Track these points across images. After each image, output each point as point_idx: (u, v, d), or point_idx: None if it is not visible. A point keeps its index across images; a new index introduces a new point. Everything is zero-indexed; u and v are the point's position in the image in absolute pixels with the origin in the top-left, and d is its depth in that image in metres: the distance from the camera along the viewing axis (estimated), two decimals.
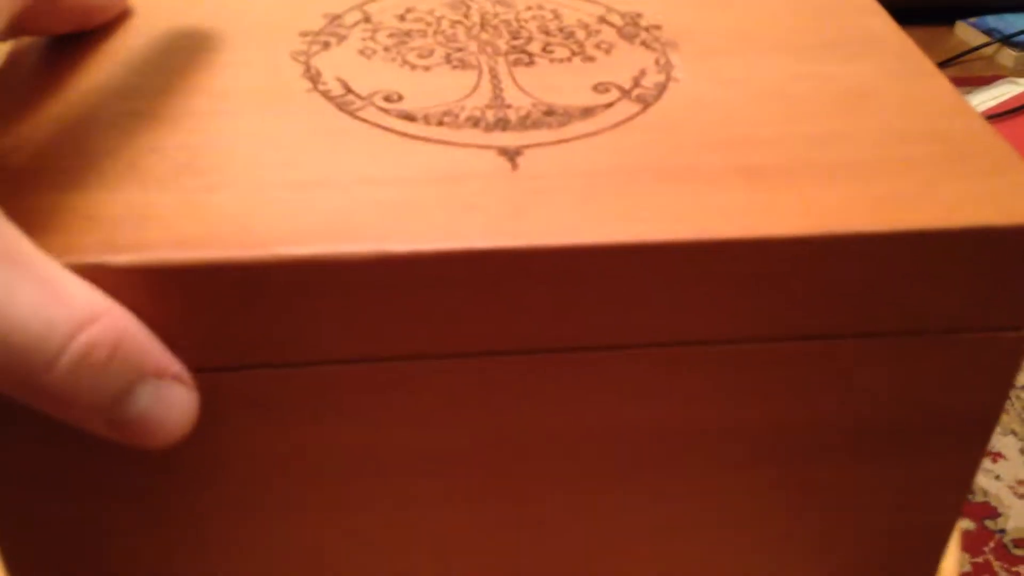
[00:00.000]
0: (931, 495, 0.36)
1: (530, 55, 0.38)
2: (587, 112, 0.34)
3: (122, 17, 0.38)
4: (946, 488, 0.36)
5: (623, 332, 0.31)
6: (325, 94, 0.35)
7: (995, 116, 1.78)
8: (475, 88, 0.35)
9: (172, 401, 0.27)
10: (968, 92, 1.89)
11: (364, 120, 0.33)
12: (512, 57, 0.37)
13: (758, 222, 0.30)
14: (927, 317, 0.32)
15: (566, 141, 0.33)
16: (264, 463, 0.33)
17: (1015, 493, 1.16)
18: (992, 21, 2.09)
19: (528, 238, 0.29)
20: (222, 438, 0.32)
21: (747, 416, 0.34)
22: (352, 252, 0.28)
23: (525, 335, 0.31)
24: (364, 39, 0.38)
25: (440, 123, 0.33)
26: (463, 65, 0.37)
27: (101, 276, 0.27)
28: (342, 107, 0.34)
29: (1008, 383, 0.34)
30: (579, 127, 0.33)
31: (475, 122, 0.33)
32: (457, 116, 0.34)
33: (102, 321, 0.25)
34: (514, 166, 0.31)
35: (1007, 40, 2.03)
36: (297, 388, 0.31)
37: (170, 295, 0.28)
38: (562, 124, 0.33)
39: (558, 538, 0.36)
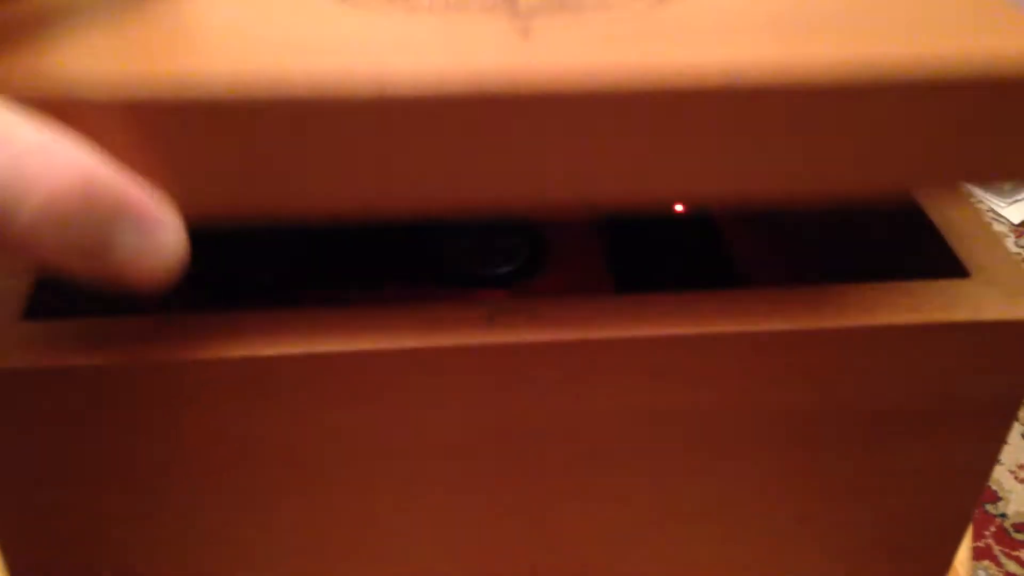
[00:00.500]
0: (951, 482, 0.36)
1: None
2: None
3: None
4: (966, 475, 0.36)
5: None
6: None
7: None
8: None
9: (158, 243, 0.24)
10: None
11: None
12: None
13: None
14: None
15: (581, 20, 0.30)
16: (269, 449, 0.32)
17: (1016, 477, 1.16)
18: None
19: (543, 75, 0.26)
20: (223, 425, 0.31)
21: (765, 402, 0.33)
22: (349, 87, 0.26)
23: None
24: None
25: (447, 7, 0.31)
26: None
27: (70, 111, 0.25)
28: None
29: None
30: (594, 14, 0.31)
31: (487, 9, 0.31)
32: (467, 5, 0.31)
33: (66, 167, 0.23)
34: (526, 36, 0.29)
35: None
36: (299, 373, 0.30)
37: (151, 134, 0.26)
38: (576, 11, 0.31)
39: (569, 525, 0.36)
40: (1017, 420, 1.21)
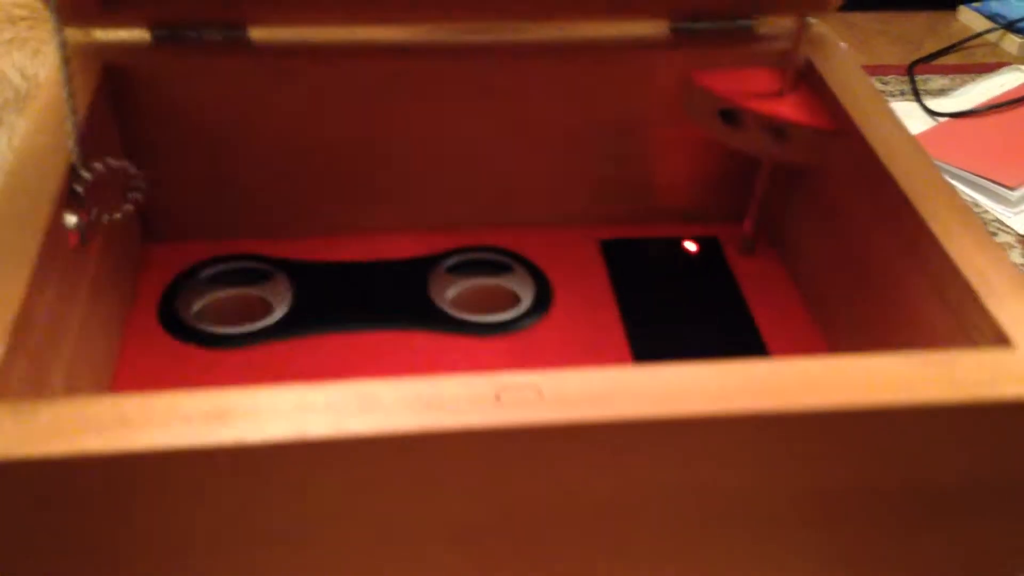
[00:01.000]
0: (994, 560, 0.33)
1: None
2: None
3: None
4: (1007, 557, 0.33)
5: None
6: None
7: (999, 105, 1.74)
8: None
9: None
10: (971, 80, 1.85)
11: None
12: None
13: None
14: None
15: None
16: (262, 531, 0.29)
17: None
18: (996, 6, 2.05)
19: None
20: (221, 507, 0.29)
21: (788, 482, 0.31)
22: None
23: None
24: None
25: None
26: None
27: None
28: None
29: None
30: None
31: None
32: None
33: None
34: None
35: (1011, 26, 2.00)
36: (289, 459, 0.28)
37: None
38: None
39: None
40: None
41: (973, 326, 0.33)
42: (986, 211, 1.53)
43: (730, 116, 0.45)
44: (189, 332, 0.43)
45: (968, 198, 1.56)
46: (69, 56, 0.35)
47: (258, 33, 0.44)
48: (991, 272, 0.34)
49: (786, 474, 0.31)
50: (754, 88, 0.45)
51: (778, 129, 0.44)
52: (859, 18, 2.26)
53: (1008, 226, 1.51)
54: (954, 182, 1.56)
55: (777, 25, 0.47)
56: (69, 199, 0.36)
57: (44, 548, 0.29)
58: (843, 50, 0.47)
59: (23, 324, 0.31)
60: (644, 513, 0.31)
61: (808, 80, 0.46)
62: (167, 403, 0.28)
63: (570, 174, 0.49)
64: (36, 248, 0.33)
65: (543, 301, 0.46)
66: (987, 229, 0.33)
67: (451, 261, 0.48)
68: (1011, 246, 1.49)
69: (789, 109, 0.44)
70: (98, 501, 0.28)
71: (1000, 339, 0.32)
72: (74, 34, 0.43)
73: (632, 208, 0.51)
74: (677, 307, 0.46)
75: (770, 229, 0.51)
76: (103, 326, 0.41)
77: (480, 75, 0.45)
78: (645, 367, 0.30)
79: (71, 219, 0.35)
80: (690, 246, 0.50)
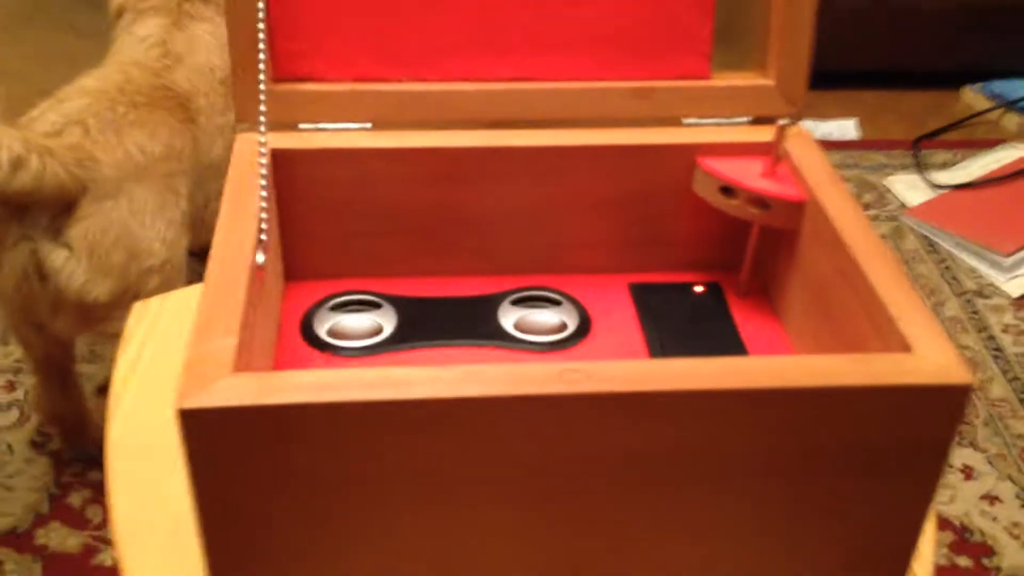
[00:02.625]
0: (899, 506, 0.47)
1: None
2: None
3: None
4: (909, 501, 0.47)
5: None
6: None
7: (996, 179, 1.88)
8: None
9: None
10: (972, 154, 2.00)
11: None
12: None
13: None
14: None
15: None
16: (395, 471, 0.44)
17: (1010, 534, 1.25)
18: (997, 87, 2.20)
19: None
20: (377, 453, 0.43)
21: (756, 443, 0.45)
22: None
23: None
24: None
25: None
26: None
27: None
28: None
29: (956, 423, 0.45)
30: None
31: None
32: None
33: None
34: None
35: (1011, 105, 2.14)
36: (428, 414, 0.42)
37: None
38: None
39: (609, 527, 0.47)
40: (1012, 481, 1.30)
41: (888, 338, 0.48)
42: (982, 276, 1.66)
43: (727, 190, 0.60)
44: (322, 344, 0.59)
45: (965, 264, 1.70)
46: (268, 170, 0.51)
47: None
48: (903, 302, 0.48)
49: (757, 438, 0.45)
50: (745, 170, 0.60)
51: (762, 201, 0.59)
52: (869, 95, 2.42)
53: (1002, 290, 1.64)
54: (952, 248, 1.70)
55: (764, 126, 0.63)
56: (257, 245, 0.52)
57: (265, 474, 0.43)
58: (812, 142, 0.62)
59: (245, 325, 0.46)
60: (657, 462, 0.45)
61: (786, 163, 0.61)
62: (347, 375, 0.43)
63: (605, 233, 0.64)
64: (246, 280, 0.48)
65: (584, 328, 0.61)
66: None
67: (514, 296, 0.63)
68: (1004, 308, 1.61)
69: (770, 186, 0.59)
70: (304, 439, 0.43)
71: (905, 347, 0.46)
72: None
73: (654, 259, 0.66)
74: (687, 333, 0.61)
75: (761, 276, 0.65)
76: (269, 334, 0.56)
77: (536, 163, 0.61)
78: (659, 360, 0.45)
79: (260, 256, 0.51)
80: (698, 288, 0.65)
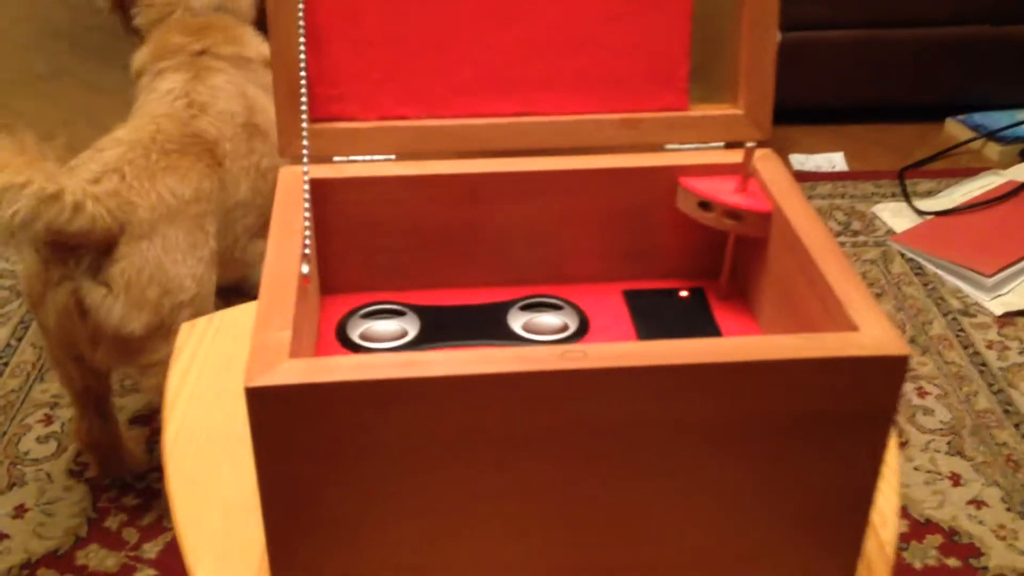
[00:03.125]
0: (852, 466, 0.55)
1: None
2: None
3: None
4: (861, 462, 0.55)
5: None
6: None
7: (978, 204, 1.97)
8: None
9: None
10: (956, 182, 2.09)
11: None
12: None
13: None
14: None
15: None
16: (429, 441, 0.52)
17: (996, 535, 1.32)
18: (979, 118, 2.31)
19: None
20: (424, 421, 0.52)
21: (728, 410, 0.53)
22: None
23: None
24: None
25: None
26: None
27: None
28: None
29: (897, 390, 0.53)
30: None
31: None
32: None
33: None
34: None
35: (992, 135, 2.24)
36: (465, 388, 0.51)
37: None
38: None
39: (607, 490, 0.55)
40: (999, 486, 1.37)
41: (838, 320, 0.56)
42: (967, 295, 1.74)
43: (705, 205, 0.69)
44: (355, 347, 0.67)
45: (950, 285, 1.78)
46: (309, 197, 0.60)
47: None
48: (850, 290, 0.57)
49: (730, 405, 0.53)
50: (720, 187, 0.69)
51: (735, 213, 0.68)
52: (856, 129, 2.53)
53: (986, 308, 1.73)
54: (938, 270, 1.79)
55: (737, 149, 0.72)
56: (302, 258, 0.60)
57: (314, 445, 0.52)
58: (777, 161, 0.71)
59: (296, 321, 0.55)
60: (646, 430, 0.54)
61: (755, 180, 0.70)
62: (380, 359, 0.52)
63: (601, 245, 0.73)
64: (295, 286, 0.57)
65: (583, 328, 0.70)
66: (856, 267, 0.56)
67: (522, 303, 0.72)
68: (988, 326, 1.69)
69: (742, 200, 0.68)
70: (346, 412, 0.51)
71: (852, 327, 0.55)
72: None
73: (644, 268, 0.74)
74: (674, 332, 0.69)
75: (739, 282, 0.74)
76: (310, 338, 0.65)
77: (538, 186, 0.70)
78: (647, 342, 0.53)
79: (305, 267, 0.60)
80: (684, 293, 0.73)
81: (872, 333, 0.54)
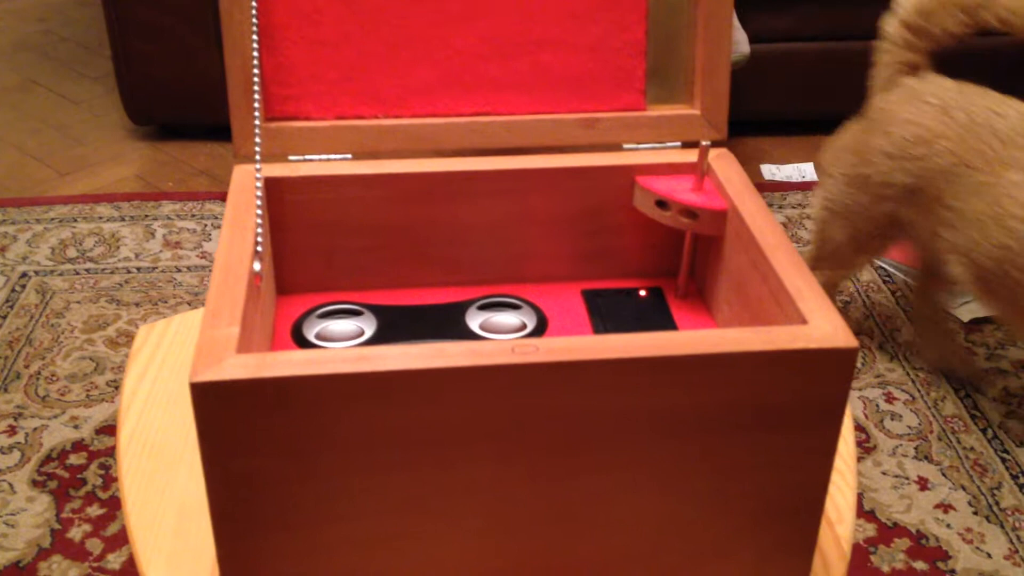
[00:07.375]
0: (805, 459, 0.55)
1: None
2: None
3: None
4: (814, 454, 0.55)
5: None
6: None
7: None
8: None
9: None
10: None
11: None
12: None
13: None
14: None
15: None
16: (382, 436, 0.52)
17: (963, 539, 1.33)
18: None
19: None
20: (364, 419, 0.51)
21: (681, 402, 0.53)
22: None
23: None
24: None
25: None
26: None
27: None
28: None
29: (847, 381, 0.54)
30: None
31: None
32: None
33: None
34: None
35: None
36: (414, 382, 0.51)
37: None
38: None
39: (560, 478, 0.55)
40: (965, 490, 1.38)
41: (789, 314, 0.57)
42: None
43: (662, 204, 0.70)
44: (310, 346, 0.67)
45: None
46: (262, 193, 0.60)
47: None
48: (801, 285, 0.57)
49: (682, 399, 0.53)
50: (676, 186, 0.70)
51: (691, 212, 0.68)
52: (826, 140, 2.55)
53: (953, 315, 1.74)
54: (906, 278, 1.80)
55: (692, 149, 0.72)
56: (253, 256, 0.60)
57: (263, 442, 0.51)
58: (732, 160, 0.71)
59: (245, 318, 0.55)
60: (599, 423, 0.53)
61: (711, 179, 0.70)
62: (331, 353, 0.51)
63: (559, 245, 0.73)
64: (246, 286, 0.57)
65: (541, 327, 0.70)
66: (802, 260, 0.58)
67: (480, 303, 0.72)
68: (956, 332, 1.71)
69: (698, 198, 0.68)
70: (295, 408, 0.51)
71: (802, 320, 0.55)
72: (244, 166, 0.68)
73: (603, 268, 0.74)
74: (632, 330, 0.69)
75: (696, 280, 0.74)
76: (264, 337, 0.64)
77: (497, 185, 0.70)
78: (599, 336, 0.53)
79: (257, 265, 0.59)
80: (642, 292, 0.73)
81: (821, 326, 0.54)
